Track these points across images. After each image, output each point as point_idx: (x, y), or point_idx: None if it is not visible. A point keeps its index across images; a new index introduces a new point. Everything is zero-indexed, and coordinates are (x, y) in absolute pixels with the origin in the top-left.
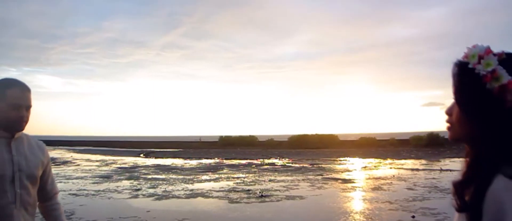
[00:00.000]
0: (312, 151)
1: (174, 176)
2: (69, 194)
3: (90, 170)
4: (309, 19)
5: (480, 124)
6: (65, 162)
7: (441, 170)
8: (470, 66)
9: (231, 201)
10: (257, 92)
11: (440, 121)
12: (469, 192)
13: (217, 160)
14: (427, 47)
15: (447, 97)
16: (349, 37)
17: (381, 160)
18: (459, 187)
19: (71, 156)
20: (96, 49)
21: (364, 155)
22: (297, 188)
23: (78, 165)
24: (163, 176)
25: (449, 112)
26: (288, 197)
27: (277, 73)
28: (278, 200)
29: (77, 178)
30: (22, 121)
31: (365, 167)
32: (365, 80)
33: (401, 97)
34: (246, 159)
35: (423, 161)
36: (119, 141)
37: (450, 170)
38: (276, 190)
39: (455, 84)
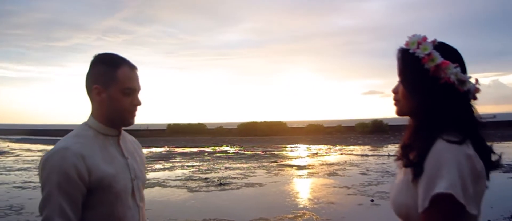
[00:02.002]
0: (262, 138)
1: None
2: (14, 187)
3: (32, 161)
4: (253, 7)
5: (420, 98)
6: (1, 153)
7: (389, 155)
8: (411, 51)
9: (191, 189)
10: (203, 79)
11: (381, 109)
12: (413, 153)
13: (168, 149)
14: (367, 38)
15: (387, 86)
16: (294, 26)
17: (331, 147)
18: (404, 149)
19: (8, 146)
20: (29, 30)
21: (314, 142)
22: (255, 175)
23: (18, 155)
24: None
25: (395, 90)
26: (248, 185)
27: (223, 60)
28: (238, 188)
29: (19, 169)
30: (135, 111)
31: (316, 153)
32: (309, 68)
33: (344, 86)
34: (197, 147)
35: (370, 147)
36: (58, 129)
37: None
38: (234, 177)
39: (399, 66)
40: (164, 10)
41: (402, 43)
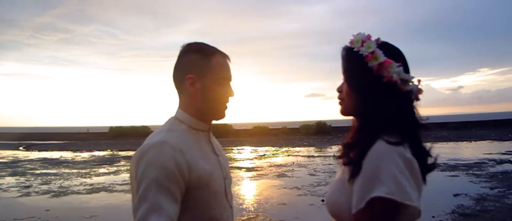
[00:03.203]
0: None
1: (67, 170)
2: None
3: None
4: (197, 8)
5: (363, 96)
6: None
7: (334, 156)
8: (355, 49)
9: None
10: (147, 81)
11: (324, 110)
12: (354, 152)
13: (111, 152)
14: (309, 42)
15: (329, 88)
16: (238, 29)
17: (278, 148)
18: (346, 147)
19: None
20: None
21: (260, 144)
22: None
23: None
24: (54, 171)
25: (339, 89)
26: None
27: (167, 61)
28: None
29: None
30: (228, 102)
31: (264, 155)
32: (254, 71)
33: (288, 88)
34: None
35: (315, 148)
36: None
37: None
38: None
39: (344, 65)
40: (105, 9)
41: (340, 50)
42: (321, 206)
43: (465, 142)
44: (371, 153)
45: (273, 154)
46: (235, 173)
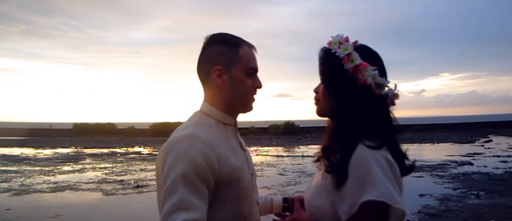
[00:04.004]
0: None
1: (29, 168)
2: None
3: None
4: (166, 4)
5: (338, 97)
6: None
7: (303, 156)
8: (332, 50)
9: (106, 193)
10: (113, 77)
11: (291, 111)
12: (335, 158)
13: (76, 149)
14: (278, 42)
15: (296, 89)
16: (206, 26)
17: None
18: (326, 152)
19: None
20: None
21: None
22: None
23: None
24: (14, 168)
25: (316, 90)
26: None
27: (134, 58)
28: (156, 190)
29: None
30: (256, 94)
31: None
32: None
33: None
34: (108, 148)
35: (284, 148)
36: None
37: (311, 156)
38: (151, 179)
39: (321, 66)
40: (69, 1)
41: (307, 51)
42: None
43: (428, 144)
44: (355, 159)
45: None
46: None
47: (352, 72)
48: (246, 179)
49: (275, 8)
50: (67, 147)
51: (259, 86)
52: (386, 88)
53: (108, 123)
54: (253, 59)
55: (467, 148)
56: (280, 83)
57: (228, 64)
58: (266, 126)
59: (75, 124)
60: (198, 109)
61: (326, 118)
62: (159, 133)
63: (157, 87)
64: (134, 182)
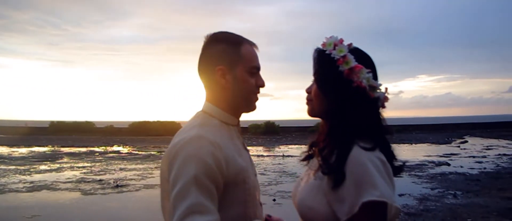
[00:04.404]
0: (156, 138)
1: (3, 167)
2: None
3: None
4: (146, 2)
5: (333, 99)
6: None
7: (283, 156)
8: (327, 52)
9: (85, 193)
10: (91, 75)
11: (271, 111)
12: (330, 158)
13: (53, 148)
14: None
15: (276, 89)
16: (188, 25)
17: None
18: (321, 153)
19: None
20: None
21: None
22: (153, 177)
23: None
24: None
25: (309, 90)
26: (147, 186)
27: (113, 55)
28: (136, 190)
29: None
30: (258, 93)
31: None
32: None
33: None
34: (86, 146)
35: (264, 148)
36: None
37: (291, 156)
38: (131, 179)
39: (315, 66)
40: None
41: (287, 51)
42: (273, 205)
43: (406, 145)
44: (352, 160)
45: None
46: None
47: (347, 74)
48: (251, 180)
49: (257, 8)
50: (43, 146)
51: (262, 85)
52: (379, 91)
53: (86, 122)
54: (255, 58)
55: (443, 148)
56: None
57: (231, 64)
58: (246, 126)
59: (52, 122)
60: (200, 109)
61: (318, 118)
62: (138, 132)
63: (136, 86)
64: (114, 182)
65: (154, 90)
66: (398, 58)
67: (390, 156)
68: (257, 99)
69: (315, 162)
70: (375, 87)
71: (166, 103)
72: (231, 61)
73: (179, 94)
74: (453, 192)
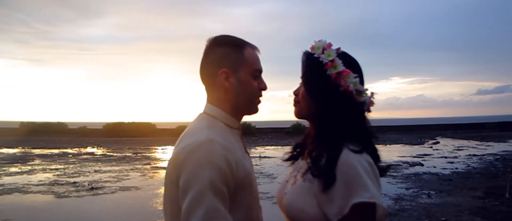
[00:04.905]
0: (130, 140)
1: None
2: None
3: None
4: (119, 1)
5: (320, 101)
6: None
7: (260, 157)
8: (315, 55)
9: (58, 195)
10: (63, 74)
11: None
12: (320, 161)
13: (23, 149)
14: None
15: None
16: (162, 26)
17: None
18: (311, 156)
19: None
20: None
21: None
22: (129, 179)
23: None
24: None
25: (296, 92)
26: (123, 188)
27: (85, 55)
28: (112, 192)
29: None
30: (261, 96)
31: None
32: (178, 69)
33: None
34: (59, 148)
35: None
36: None
37: (268, 157)
38: (106, 181)
39: (303, 69)
40: None
41: (267, 52)
42: None
43: (381, 145)
44: (342, 162)
45: None
46: (160, 174)
47: (335, 78)
48: (255, 183)
49: (232, 9)
50: (13, 147)
51: (265, 88)
52: (365, 95)
53: (58, 123)
54: (258, 61)
55: (417, 149)
56: None
57: (234, 66)
58: None
59: (22, 123)
60: (202, 111)
61: (304, 120)
62: (113, 133)
63: (110, 86)
64: (89, 184)
65: (128, 91)
66: (372, 60)
67: (376, 159)
68: (259, 101)
69: (301, 164)
70: (362, 92)
71: (140, 104)
72: (234, 64)
73: (153, 95)
74: (427, 192)
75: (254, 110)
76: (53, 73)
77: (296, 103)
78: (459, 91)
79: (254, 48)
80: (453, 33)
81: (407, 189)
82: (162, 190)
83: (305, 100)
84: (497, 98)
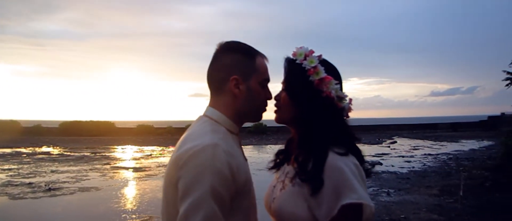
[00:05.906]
0: (89, 139)
1: None
2: None
3: None
4: None
5: (303, 107)
6: None
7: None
8: (297, 61)
9: (13, 197)
10: (14, 70)
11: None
12: (307, 165)
13: None
14: (195, 41)
15: None
16: (121, 23)
17: (164, 148)
18: (297, 160)
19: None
20: None
21: (145, 143)
22: (88, 179)
23: None
24: None
25: (277, 97)
26: (82, 189)
27: (38, 50)
28: (71, 193)
29: None
30: (266, 106)
31: (150, 155)
32: (137, 67)
33: (172, 87)
34: (11, 147)
35: None
36: None
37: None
38: (64, 182)
39: (286, 75)
40: None
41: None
42: None
43: None
44: (329, 165)
45: (160, 154)
46: (121, 174)
47: (318, 84)
48: (253, 189)
49: (194, 8)
50: None
51: (270, 97)
52: (345, 101)
53: (10, 121)
54: (267, 70)
55: (375, 148)
56: (196, 83)
57: (246, 74)
58: (183, 126)
59: None
60: (202, 114)
61: (285, 125)
62: (69, 132)
63: (64, 84)
64: (45, 185)
65: (85, 89)
66: (331, 61)
67: (361, 160)
68: (265, 110)
69: (288, 169)
70: (342, 98)
71: (98, 102)
72: (246, 72)
73: (112, 94)
74: (386, 190)
75: (258, 118)
76: (3, 69)
77: (278, 109)
78: (414, 92)
79: (264, 57)
80: (409, 37)
81: (367, 187)
82: (123, 190)
83: (287, 105)
84: (449, 99)
